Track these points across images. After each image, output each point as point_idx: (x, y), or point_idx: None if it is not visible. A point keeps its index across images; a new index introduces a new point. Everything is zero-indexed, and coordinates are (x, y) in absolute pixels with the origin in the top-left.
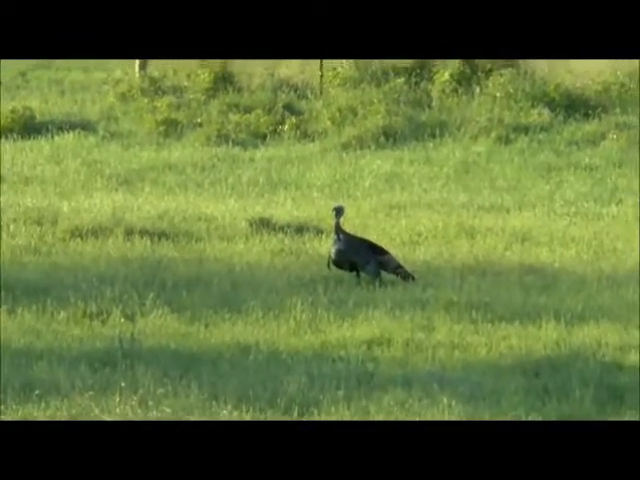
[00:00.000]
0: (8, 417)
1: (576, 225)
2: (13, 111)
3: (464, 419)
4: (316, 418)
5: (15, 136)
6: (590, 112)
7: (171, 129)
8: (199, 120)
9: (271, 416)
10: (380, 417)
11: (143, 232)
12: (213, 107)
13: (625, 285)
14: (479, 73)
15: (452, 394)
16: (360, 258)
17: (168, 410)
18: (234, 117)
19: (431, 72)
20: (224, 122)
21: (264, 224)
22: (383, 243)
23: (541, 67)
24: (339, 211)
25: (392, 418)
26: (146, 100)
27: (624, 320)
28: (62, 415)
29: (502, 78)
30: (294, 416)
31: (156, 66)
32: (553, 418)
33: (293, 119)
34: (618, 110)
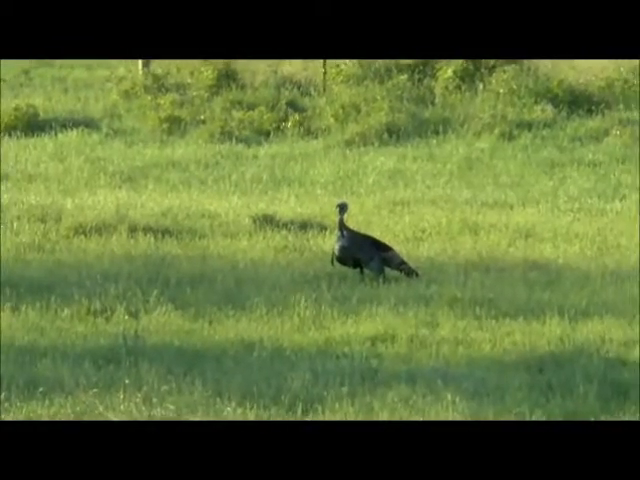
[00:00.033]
0: (12, 414)
1: (580, 221)
2: (16, 109)
3: (468, 415)
4: (320, 414)
5: (19, 134)
6: (593, 108)
7: (174, 126)
8: (202, 117)
9: (275, 413)
10: (384, 413)
11: (147, 229)
12: (216, 104)
13: (629, 281)
14: (482, 70)
15: (456, 390)
16: (364, 254)
17: (172, 407)
18: (237, 114)
19: (434, 69)
20: (227, 119)
21: (268, 221)
22: (387, 239)
23: (544, 63)
24: (343, 208)
25: (396, 414)
26: (149, 97)
27: (628, 316)
28: (66, 412)
29: (505, 74)
30: (298, 413)
31: (159, 64)
32: (557, 414)
33: (296, 116)
34: (621, 106)
